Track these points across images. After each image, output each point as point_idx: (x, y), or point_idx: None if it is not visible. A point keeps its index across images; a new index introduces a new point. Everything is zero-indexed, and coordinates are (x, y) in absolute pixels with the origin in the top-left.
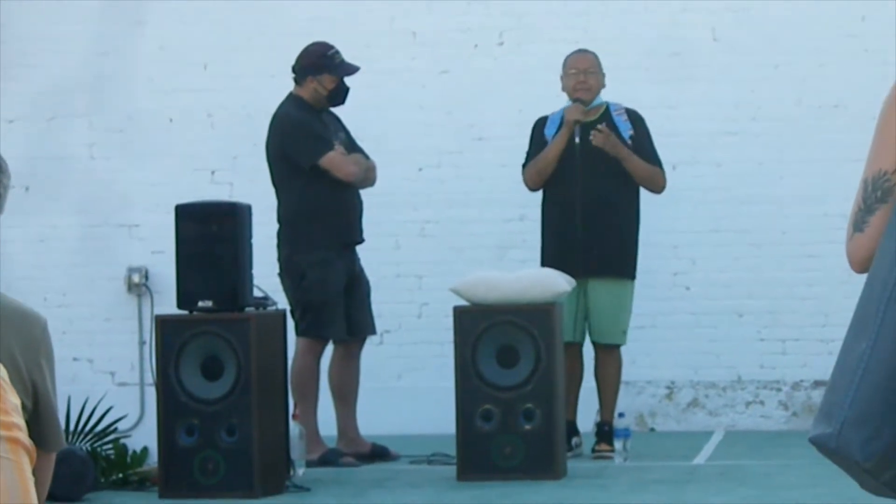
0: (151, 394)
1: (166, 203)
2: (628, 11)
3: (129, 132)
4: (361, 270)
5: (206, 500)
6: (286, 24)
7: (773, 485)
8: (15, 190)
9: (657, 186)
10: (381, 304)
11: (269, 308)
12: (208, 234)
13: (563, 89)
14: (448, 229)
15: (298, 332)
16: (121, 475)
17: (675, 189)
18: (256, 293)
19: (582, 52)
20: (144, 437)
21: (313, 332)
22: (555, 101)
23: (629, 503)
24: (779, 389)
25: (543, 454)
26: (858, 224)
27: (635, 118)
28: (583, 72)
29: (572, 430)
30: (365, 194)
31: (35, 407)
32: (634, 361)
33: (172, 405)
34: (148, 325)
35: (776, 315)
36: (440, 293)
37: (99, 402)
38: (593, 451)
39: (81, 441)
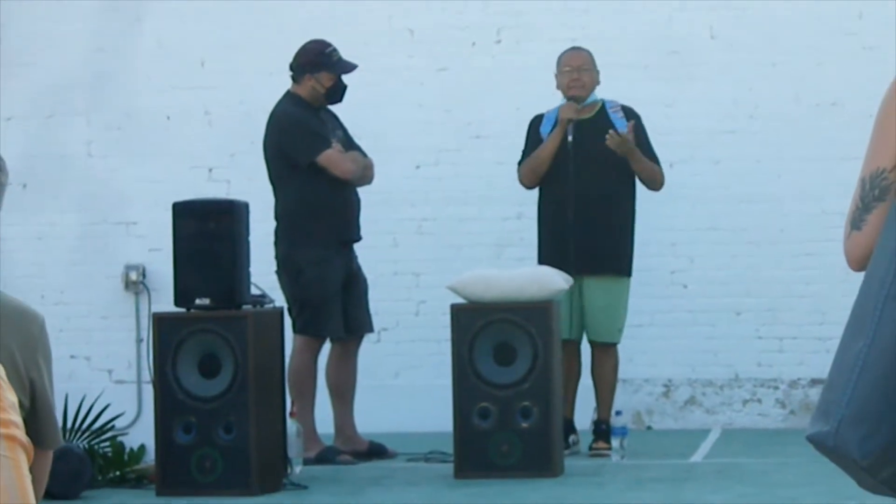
0: (149, 391)
1: (164, 201)
2: (626, 9)
3: (128, 130)
4: (359, 268)
5: (204, 498)
6: (284, 22)
7: (771, 483)
8: (13, 187)
9: (658, 184)
10: (379, 301)
11: (267, 306)
12: (206, 231)
13: (558, 87)
14: (446, 227)
15: (296, 330)
16: (118, 473)
17: (673, 187)
18: (254, 291)
19: (575, 50)
20: (142, 434)
21: (311, 329)
22: (553, 99)
23: (626, 501)
24: (776, 387)
25: (540, 452)
26: (856, 222)
27: (631, 115)
28: (576, 69)
29: (569, 427)
30: (363, 192)
31: (33, 404)
32: (632, 359)
33: (170, 403)
34: (145, 323)
35: (774, 313)
36: (438, 291)
37: (96, 400)
38: (590, 448)
39: (79, 439)
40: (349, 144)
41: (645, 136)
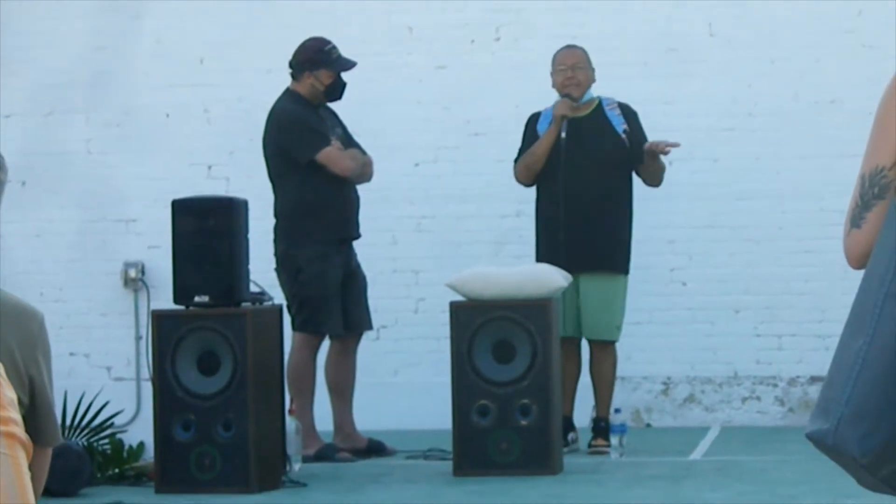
0: (148, 389)
1: (163, 198)
2: (625, 7)
3: (127, 127)
4: (358, 266)
5: (203, 496)
6: (283, 20)
7: (770, 480)
8: (12, 185)
9: (659, 181)
10: (378, 299)
11: (266, 303)
12: (205, 229)
13: (553, 86)
14: (445, 225)
15: (295, 328)
16: (117, 470)
17: (672, 184)
18: (253, 288)
19: (570, 48)
20: (141, 432)
21: (310, 327)
22: (552, 96)
23: (625, 499)
24: (775, 385)
25: (539, 449)
26: (855, 220)
27: (628, 112)
28: (571, 67)
29: (568, 425)
30: (362, 189)
31: (32, 402)
32: (631, 357)
33: (169, 400)
34: (144, 320)
35: (773, 311)
36: (437, 288)
37: (95, 397)
38: (589, 446)
39: (78, 436)
40: (348, 142)
41: (643, 133)
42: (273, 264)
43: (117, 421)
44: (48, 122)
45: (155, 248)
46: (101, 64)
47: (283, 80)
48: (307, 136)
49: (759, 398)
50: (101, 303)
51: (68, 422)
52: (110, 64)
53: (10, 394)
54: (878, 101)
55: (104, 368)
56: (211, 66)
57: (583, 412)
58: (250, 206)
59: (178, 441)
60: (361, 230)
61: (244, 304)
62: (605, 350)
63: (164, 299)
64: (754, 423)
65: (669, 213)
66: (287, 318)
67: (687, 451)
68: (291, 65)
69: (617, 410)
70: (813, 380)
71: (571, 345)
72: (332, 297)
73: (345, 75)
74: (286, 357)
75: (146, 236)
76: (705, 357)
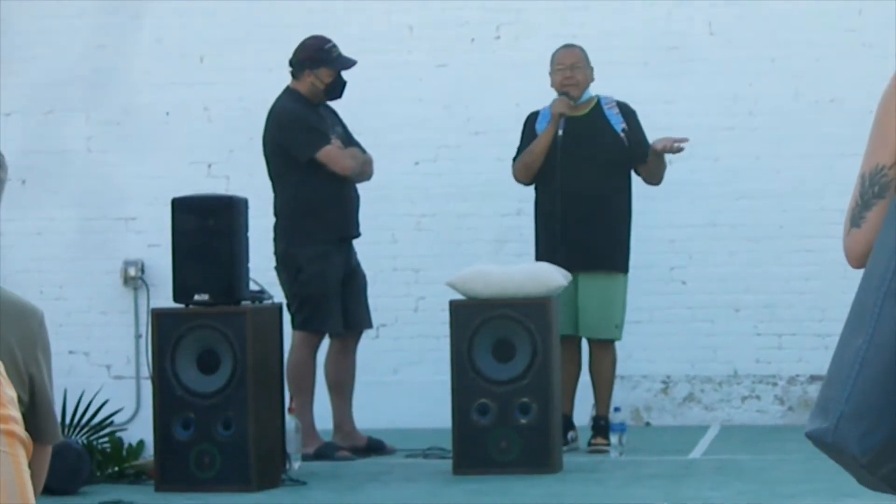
0: (147, 387)
1: (163, 196)
2: (625, 6)
3: (127, 126)
4: (358, 264)
5: (203, 494)
6: (283, 18)
7: (769, 479)
8: (12, 183)
9: (660, 180)
10: (378, 297)
11: (266, 301)
12: (205, 227)
13: (552, 85)
14: (445, 223)
15: (295, 326)
16: (117, 468)
17: (672, 183)
18: (253, 287)
19: (568, 48)
20: (140, 430)
21: (310, 325)
22: (552, 95)
23: (625, 497)
24: (775, 384)
25: (539, 448)
26: (855, 219)
27: (627, 111)
28: (569, 67)
29: (568, 424)
30: (362, 188)
31: (32, 400)
32: (630, 356)
33: (168, 399)
34: (144, 319)
35: (773, 309)
36: (437, 287)
37: (95, 396)
38: (589, 445)
39: (77, 434)
40: (348, 140)
41: (642, 132)
42: (273, 263)
43: (117, 419)
44: (48, 120)
45: (155, 247)
46: (101, 62)
47: (284, 78)
48: (307, 134)
49: (758, 397)
50: (100, 301)
51: (68, 420)
52: (110, 62)
53: (10, 392)
54: (878, 101)
55: (104, 367)
56: (211, 64)
57: (582, 411)
58: (250, 204)
59: (177, 439)
60: (361, 229)
61: (244, 303)
62: (604, 349)
63: (164, 298)
64: (754, 421)
65: (669, 212)
66: (287, 317)
67: (686, 449)
68: (291, 63)
69: (616, 409)
70: (813, 379)
71: (571, 344)
72: (332, 296)
73: (345, 74)
74: (286, 355)
75: (146, 235)
76: (705, 356)
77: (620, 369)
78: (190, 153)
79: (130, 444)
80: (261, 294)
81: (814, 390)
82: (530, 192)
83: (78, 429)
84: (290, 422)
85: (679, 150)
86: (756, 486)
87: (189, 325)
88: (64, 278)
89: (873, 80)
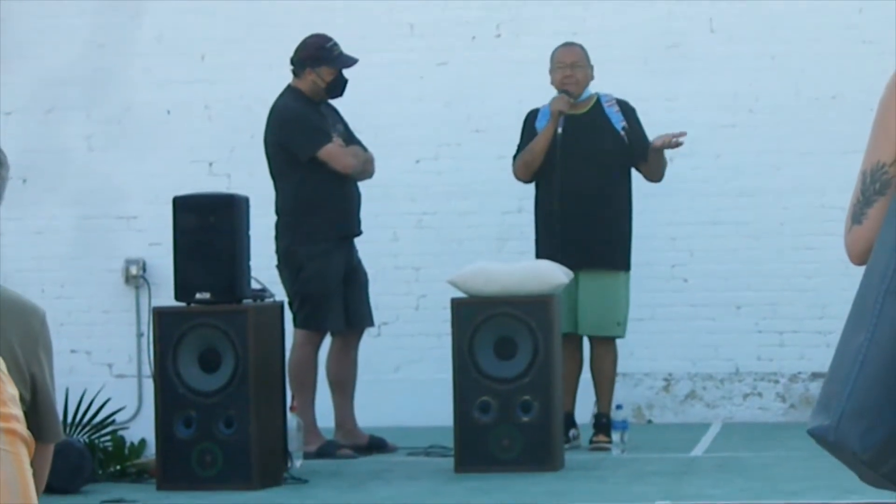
0: (149, 386)
1: (164, 195)
2: (625, 4)
3: (127, 124)
4: (359, 262)
5: (204, 492)
6: (284, 16)
7: (771, 477)
8: (13, 182)
9: (661, 177)
10: (379, 295)
11: (267, 300)
12: (206, 225)
13: (552, 83)
14: (446, 221)
15: (296, 324)
16: (118, 467)
17: (673, 181)
18: (254, 285)
19: (568, 46)
20: (142, 429)
21: (311, 323)
22: (552, 93)
23: (626, 495)
24: (776, 381)
25: (541, 446)
26: (857, 216)
27: (626, 109)
28: (569, 66)
29: (570, 421)
30: (363, 186)
31: (33, 398)
32: (632, 353)
33: (170, 397)
34: (145, 317)
35: (774, 307)
36: (438, 285)
37: (97, 394)
38: (591, 442)
39: (79, 433)
40: (350, 139)
41: (642, 129)
42: (274, 261)
43: (119, 418)
44: (49, 119)
45: (156, 245)
46: (101, 61)
47: (285, 76)
48: (308, 132)
49: (760, 394)
50: (102, 300)
51: (70, 419)
52: (111, 61)
53: (12, 390)
54: (879, 98)
55: (105, 365)
56: (212, 62)
57: (584, 408)
58: (251, 202)
59: (179, 438)
60: (363, 227)
61: (245, 301)
62: (605, 346)
63: (166, 296)
64: (755, 419)
65: (670, 209)
66: (288, 315)
67: (688, 447)
68: (293, 61)
69: (618, 407)
70: (814, 376)
71: (572, 341)
72: (334, 294)
73: (346, 72)
74: (287, 354)
75: (147, 233)
76: (707, 353)
77: (622, 367)
78: (191, 152)
79: (132, 443)
80: (262, 292)
81: (815, 387)
82: (531, 189)
83: (80, 427)
84: (292, 420)
85: (678, 144)
86: (758, 483)
87: (190, 323)
88: (65, 277)
89: (874, 77)
